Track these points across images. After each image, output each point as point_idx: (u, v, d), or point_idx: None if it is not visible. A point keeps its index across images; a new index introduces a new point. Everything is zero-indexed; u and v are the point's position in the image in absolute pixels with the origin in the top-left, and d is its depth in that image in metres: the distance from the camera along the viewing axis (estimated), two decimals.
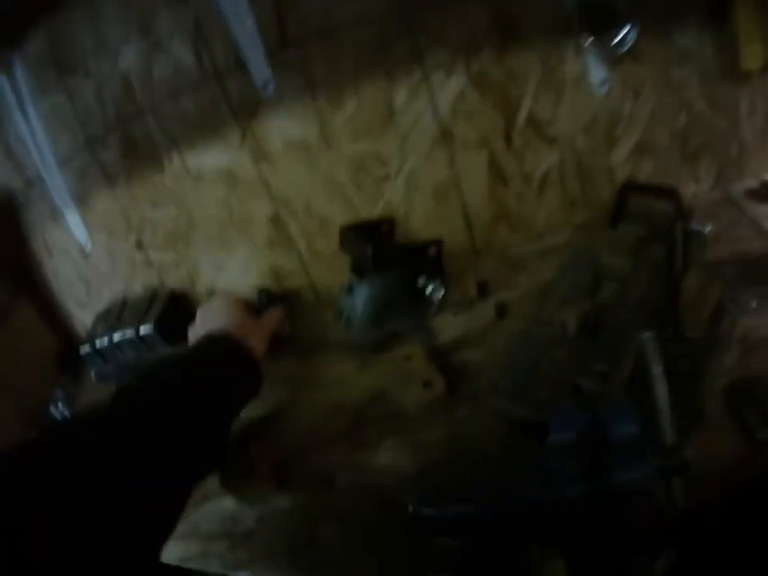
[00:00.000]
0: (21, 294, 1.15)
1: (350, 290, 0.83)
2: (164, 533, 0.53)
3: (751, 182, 0.88)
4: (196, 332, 0.77)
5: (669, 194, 0.76)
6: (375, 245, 0.80)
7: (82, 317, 1.19)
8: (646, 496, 0.44)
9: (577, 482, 0.44)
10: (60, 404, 1.05)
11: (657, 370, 0.47)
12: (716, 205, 0.87)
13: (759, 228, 0.80)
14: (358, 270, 0.83)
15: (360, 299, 0.82)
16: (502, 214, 0.91)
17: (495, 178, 0.89)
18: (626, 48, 0.80)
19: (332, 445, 0.74)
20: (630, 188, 0.83)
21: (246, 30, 0.83)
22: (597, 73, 0.83)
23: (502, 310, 0.82)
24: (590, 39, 0.80)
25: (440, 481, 0.56)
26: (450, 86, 0.84)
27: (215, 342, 0.71)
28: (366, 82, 0.84)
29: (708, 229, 0.77)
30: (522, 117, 0.86)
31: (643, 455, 0.44)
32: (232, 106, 0.88)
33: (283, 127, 0.87)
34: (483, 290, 0.86)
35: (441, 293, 0.84)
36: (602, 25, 0.79)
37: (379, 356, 0.82)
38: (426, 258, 0.84)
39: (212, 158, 0.92)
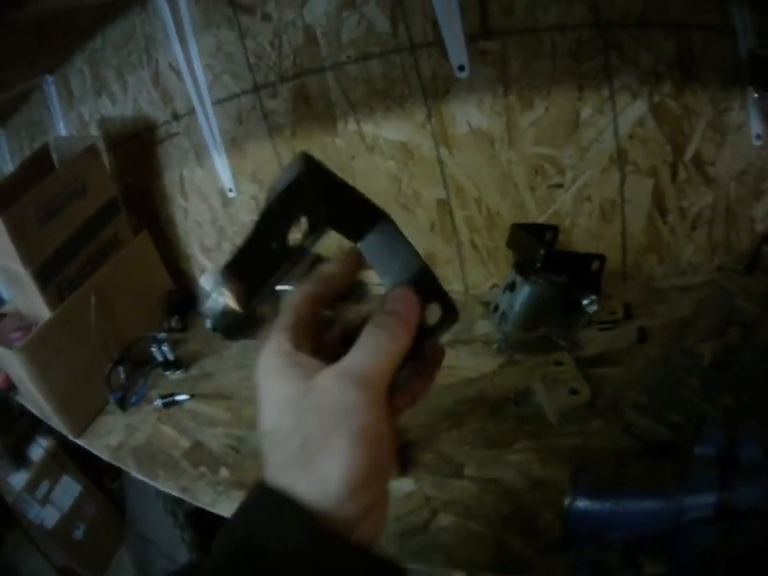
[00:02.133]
0: (143, 227, 1.12)
1: (511, 287, 0.84)
2: None
3: None
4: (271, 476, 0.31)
5: None
6: (547, 247, 0.81)
7: (205, 262, 1.17)
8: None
9: (712, 492, 0.45)
10: (163, 344, 1.04)
11: None
12: None
13: None
14: (524, 269, 0.83)
15: (519, 298, 0.82)
16: (656, 244, 0.92)
17: (656, 208, 0.90)
18: None
19: (465, 435, 0.75)
20: None
21: (449, 9, 0.83)
22: (756, 125, 0.84)
23: (643, 334, 0.83)
24: (756, 92, 0.81)
25: (599, 479, 0.55)
26: (633, 110, 0.85)
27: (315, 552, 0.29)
28: (559, 89, 0.85)
29: None
30: (689, 153, 0.87)
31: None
32: (422, 82, 0.88)
33: (471, 115, 0.88)
34: (628, 312, 0.88)
35: (595, 308, 0.84)
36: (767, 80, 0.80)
37: (528, 356, 0.83)
38: (588, 270, 0.85)
39: (392, 130, 0.92)
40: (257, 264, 0.33)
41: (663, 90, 0.83)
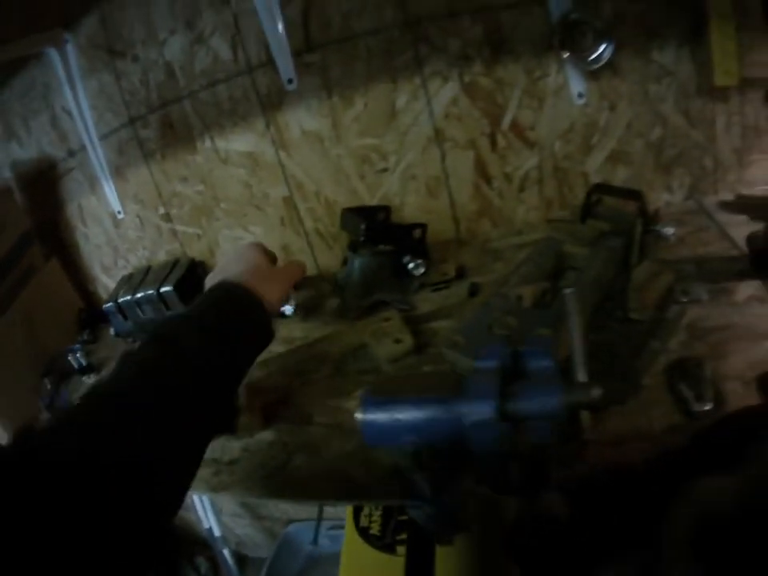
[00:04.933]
0: (52, 255, 1.28)
1: (345, 263, 0.96)
2: (174, 507, 0.51)
3: (726, 195, 0.95)
4: (213, 277, 0.72)
5: (633, 195, 0.86)
6: (368, 223, 0.93)
7: (106, 281, 1.32)
8: (554, 421, 0.50)
9: (493, 401, 0.49)
10: (78, 354, 1.17)
11: (573, 319, 0.53)
12: (687, 213, 0.95)
13: (724, 233, 0.87)
14: (353, 245, 0.95)
15: (352, 271, 0.94)
16: (486, 209, 1.04)
17: (480, 176, 1.02)
18: (602, 63, 0.90)
19: (314, 389, 0.85)
20: (599, 189, 0.92)
21: (277, 32, 0.97)
22: (576, 85, 0.94)
23: (474, 290, 0.93)
24: (569, 54, 0.91)
25: (384, 391, 0.59)
26: (445, 92, 0.97)
27: (228, 291, 0.66)
28: (374, 85, 0.98)
29: (672, 231, 0.87)
30: (506, 122, 0.98)
31: (554, 385, 0.50)
32: (260, 98, 1.02)
33: (302, 120, 1.01)
34: (461, 273, 0.98)
35: (422, 270, 0.96)
36: (580, 41, 0.90)
37: (364, 319, 0.94)
38: (411, 238, 0.97)
39: (239, 142, 1.06)
40: None
41: (474, 70, 0.95)
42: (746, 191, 0.97)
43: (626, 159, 0.99)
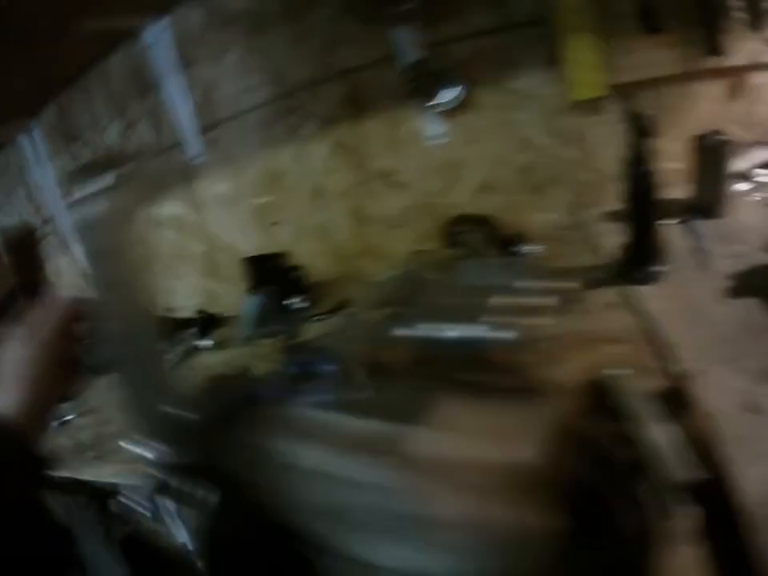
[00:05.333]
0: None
1: (244, 303, 1.16)
2: None
3: (610, 207, 0.96)
4: None
5: (481, 222, 1.01)
6: (259, 269, 1.13)
7: None
8: None
9: None
10: None
11: None
12: (563, 229, 1.01)
13: (593, 245, 0.94)
14: (249, 288, 1.15)
15: (247, 310, 1.14)
16: (366, 248, 1.21)
17: (358, 220, 1.19)
18: (458, 102, 1.02)
19: None
20: (456, 221, 1.06)
21: (185, 116, 1.20)
22: (435, 127, 1.07)
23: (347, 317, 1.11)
24: (425, 100, 1.04)
25: None
26: (320, 151, 1.15)
27: None
28: (262, 153, 1.18)
29: (535, 249, 0.97)
30: (375, 169, 1.14)
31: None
32: (180, 171, 1.24)
33: (212, 186, 1.23)
34: (342, 305, 1.15)
35: (304, 305, 1.14)
36: (434, 87, 1.03)
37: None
38: (295, 279, 1.15)
39: (167, 208, 1.28)
40: None
41: (342, 128, 1.12)
42: None
43: (496, 187, 1.09)
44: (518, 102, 1.04)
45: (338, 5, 1.05)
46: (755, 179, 1.06)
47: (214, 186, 1.23)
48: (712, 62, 1.06)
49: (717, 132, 1.00)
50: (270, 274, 1.16)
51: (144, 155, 1.26)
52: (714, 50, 1.09)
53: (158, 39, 1.21)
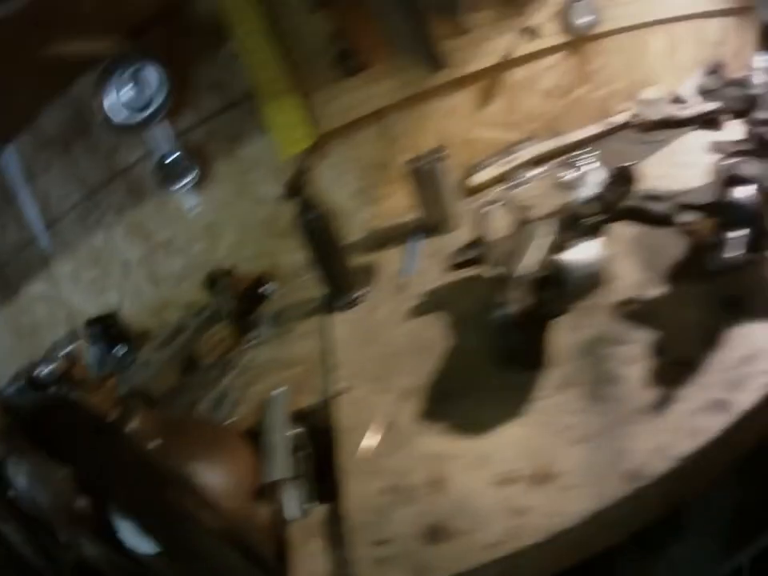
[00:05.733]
0: None
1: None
2: None
3: (347, 239, 1.20)
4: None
5: (224, 276, 1.34)
6: (96, 328, 1.49)
7: None
8: None
9: None
10: None
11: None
12: (302, 267, 1.18)
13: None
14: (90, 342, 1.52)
15: (91, 358, 1.50)
16: (165, 302, 1.55)
17: (154, 282, 1.54)
18: (198, 180, 1.37)
19: None
20: (211, 276, 1.35)
21: (34, 214, 1.57)
22: (188, 201, 1.41)
23: None
24: (173, 185, 1.38)
25: None
26: (119, 233, 1.51)
27: None
28: (85, 239, 1.54)
29: (272, 289, 1.34)
30: (158, 241, 1.49)
31: None
32: (38, 258, 1.61)
33: (63, 266, 1.59)
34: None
35: (126, 352, 1.49)
36: (175, 173, 1.37)
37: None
38: (120, 333, 1.51)
39: (36, 287, 1.66)
40: None
41: (129, 213, 1.48)
42: (379, 224, 1.35)
43: (247, 240, 1.44)
44: (250, 166, 1.37)
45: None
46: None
47: (66, 266, 1.59)
48: (442, 77, 1.28)
49: (436, 151, 1.18)
50: (105, 330, 1.52)
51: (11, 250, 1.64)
52: (436, 64, 1.27)
53: (8, 161, 1.59)
